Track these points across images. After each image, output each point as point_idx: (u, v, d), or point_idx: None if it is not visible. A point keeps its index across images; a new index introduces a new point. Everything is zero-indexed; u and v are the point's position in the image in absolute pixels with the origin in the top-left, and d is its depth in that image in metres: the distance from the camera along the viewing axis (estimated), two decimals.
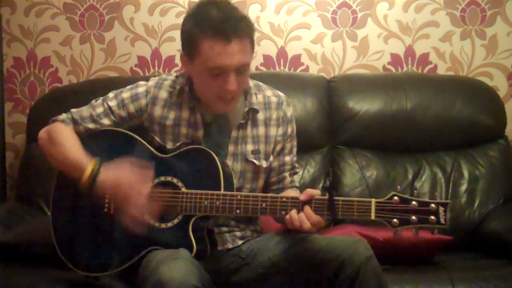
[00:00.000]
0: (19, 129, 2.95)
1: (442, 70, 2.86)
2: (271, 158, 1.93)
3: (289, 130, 1.97)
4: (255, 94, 1.93)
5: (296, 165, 2.00)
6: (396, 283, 1.96)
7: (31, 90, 2.97)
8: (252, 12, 2.88)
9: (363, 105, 2.62)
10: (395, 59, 2.87)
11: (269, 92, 1.96)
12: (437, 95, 2.63)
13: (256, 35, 2.83)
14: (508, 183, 2.56)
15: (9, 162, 2.96)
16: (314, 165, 2.59)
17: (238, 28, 1.72)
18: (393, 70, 2.87)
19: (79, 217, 1.86)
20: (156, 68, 2.92)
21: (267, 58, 2.89)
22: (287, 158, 1.97)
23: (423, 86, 2.66)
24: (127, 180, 1.73)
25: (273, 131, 1.93)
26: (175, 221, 1.78)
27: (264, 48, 2.89)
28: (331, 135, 2.65)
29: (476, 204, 2.51)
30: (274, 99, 1.95)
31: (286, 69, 2.89)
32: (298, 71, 2.89)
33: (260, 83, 1.99)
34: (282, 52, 2.90)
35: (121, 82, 2.56)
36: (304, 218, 1.67)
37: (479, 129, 2.62)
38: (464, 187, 2.55)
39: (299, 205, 1.69)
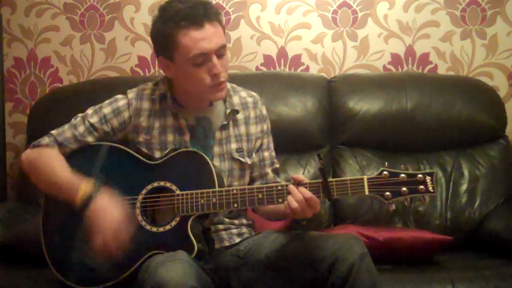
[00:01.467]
0: (20, 129, 2.95)
1: (442, 70, 2.86)
2: (254, 155, 1.98)
3: (265, 127, 2.03)
4: (232, 95, 1.99)
5: (275, 160, 2.05)
6: (396, 283, 1.96)
7: (32, 90, 2.97)
8: (253, 12, 2.89)
9: (364, 105, 2.62)
10: (396, 59, 2.87)
11: (243, 93, 2.03)
12: (437, 95, 2.63)
13: (257, 35, 2.87)
14: (508, 183, 2.56)
15: (10, 162, 2.96)
16: (315, 165, 2.59)
17: (207, 12, 1.80)
18: (394, 70, 2.87)
19: (72, 231, 1.84)
20: (156, 68, 2.93)
21: (267, 58, 2.89)
22: (266, 154, 2.02)
23: (424, 86, 2.66)
24: (119, 211, 1.74)
25: (253, 129, 1.99)
26: (173, 223, 1.78)
27: (264, 48, 2.89)
28: (332, 135, 2.65)
29: (476, 204, 2.51)
30: (249, 99, 2.02)
31: (287, 69, 2.89)
32: (298, 71, 2.89)
33: (234, 85, 2.04)
34: (282, 52, 2.90)
35: (121, 82, 2.58)
36: (296, 192, 1.69)
37: (479, 129, 2.62)
38: (464, 186, 2.55)
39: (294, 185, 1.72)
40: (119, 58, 2.94)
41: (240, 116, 1.97)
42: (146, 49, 2.93)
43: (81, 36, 2.95)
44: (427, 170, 1.72)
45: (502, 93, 2.80)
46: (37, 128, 2.67)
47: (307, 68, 2.89)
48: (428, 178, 1.69)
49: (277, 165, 2.06)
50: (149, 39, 2.88)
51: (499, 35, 2.84)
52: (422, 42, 2.86)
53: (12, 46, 2.96)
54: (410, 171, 1.70)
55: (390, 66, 2.87)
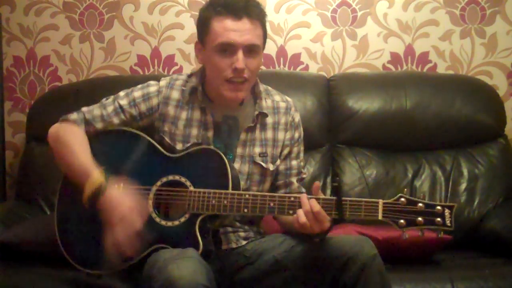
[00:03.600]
0: (19, 128, 2.95)
1: (441, 69, 2.86)
2: (278, 161, 1.95)
3: (297, 135, 1.99)
4: (265, 98, 1.96)
5: (303, 170, 2.02)
6: (396, 282, 1.95)
7: (31, 89, 2.97)
8: None
9: (363, 104, 2.62)
10: (395, 58, 2.87)
11: (277, 97, 2.00)
12: (436, 94, 2.63)
13: None
14: (507, 182, 2.56)
15: (9, 161, 2.96)
16: (314, 164, 2.59)
17: (250, 8, 1.80)
18: (393, 69, 2.87)
19: (85, 214, 1.85)
20: (156, 67, 2.92)
21: (267, 57, 2.89)
22: (294, 162, 1.98)
23: (423, 85, 2.66)
24: (127, 207, 1.72)
25: (281, 135, 1.95)
26: (182, 219, 1.78)
27: None
28: (331, 134, 2.65)
29: (475, 203, 2.51)
30: (282, 104, 1.98)
31: (286, 68, 2.89)
32: (298, 70, 2.89)
33: (269, 88, 2.02)
34: (282, 51, 2.90)
35: (121, 81, 2.58)
36: (306, 203, 1.67)
37: (478, 128, 2.62)
38: (463, 186, 2.55)
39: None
40: (118, 57, 2.94)
41: (269, 120, 1.94)
42: (145, 48, 2.93)
43: (80, 35, 2.94)
44: (448, 203, 1.65)
45: (501, 92, 2.80)
46: (36, 127, 2.67)
47: (307, 67, 2.89)
48: (447, 211, 1.62)
49: (304, 175, 2.02)
50: (148, 38, 2.92)
51: (498, 34, 2.84)
52: (421, 41, 2.86)
53: (11, 45, 2.96)
54: (429, 202, 1.65)
55: (389, 65, 2.87)
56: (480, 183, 2.54)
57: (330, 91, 2.68)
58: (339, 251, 1.69)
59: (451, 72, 2.85)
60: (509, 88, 2.84)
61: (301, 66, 2.89)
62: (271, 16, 2.88)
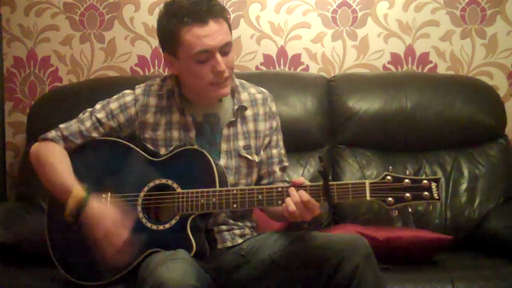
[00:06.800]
0: (19, 129, 2.95)
1: (442, 70, 2.86)
2: (262, 152, 1.97)
3: (274, 124, 2.02)
4: (240, 92, 1.97)
5: (284, 158, 2.03)
6: (396, 283, 1.96)
7: (31, 89, 2.97)
8: (252, 11, 2.88)
9: (363, 105, 2.62)
10: (395, 59, 2.87)
11: (253, 89, 2.02)
12: (437, 94, 2.63)
13: (256, 35, 2.87)
14: (508, 183, 2.56)
15: (9, 162, 2.96)
16: (314, 165, 2.59)
17: (212, 8, 1.79)
18: (393, 69, 2.87)
19: (75, 228, 1.85)
20: (156, 68, 2.93)
21: (267, 58, 2.89)
22: (274, 151, 2.01)
23: (423, 86, 2.66)
24: (111, 220, 1.74)
25: (261, 126, 1.98)
26: (173, 222, 1.79)
27: (264, 47, 2.89)
28: (331, 134, 2.65)
29: (476, 204, 2.51)
30: (259, 96, 2.00)
31: (286, 69, 2.89)
32: (298, 70, 2.89)
33: (243, 81, 2.03)
34: (282, 52, 2.90)
35: (121, 82, 2.58)
36: (295, 194, 1.68)
37: (479, 128, 2.62)
38: (464, 186, 2.55)
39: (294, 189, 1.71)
40: (119, 57, 2.94)
41: (248, 112, 1.96)
42: (145, 48, 2.93)
43: (80, 36, 2.94)
44: (433, 176, 1.68)
45: (501, 92, 2.80)
46: (37, 127, 2.67)
47: (307, 68, 2.89)
48: (433, 184, 1.64)
49: (286, 163, 2.04)
50: (148, 38, 2.92)
51: (498, 35, 2.84)
52: (421, 41, 2.86)
53: (11, 45, 2.96)
54: (415, 177, 1.66)
55: (390, 66, 2.87)
56: (481, 183, 2.54)
57: (330, 92, 2.68)
58: (333, 250, 1.70)
59: (451, 72, 2.85)
60: (509, 89, 2.84)
61: (302, 67, 2.89)
62: (272, 17, 2.89)
